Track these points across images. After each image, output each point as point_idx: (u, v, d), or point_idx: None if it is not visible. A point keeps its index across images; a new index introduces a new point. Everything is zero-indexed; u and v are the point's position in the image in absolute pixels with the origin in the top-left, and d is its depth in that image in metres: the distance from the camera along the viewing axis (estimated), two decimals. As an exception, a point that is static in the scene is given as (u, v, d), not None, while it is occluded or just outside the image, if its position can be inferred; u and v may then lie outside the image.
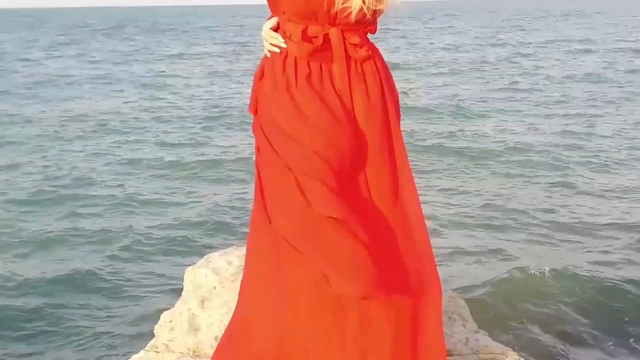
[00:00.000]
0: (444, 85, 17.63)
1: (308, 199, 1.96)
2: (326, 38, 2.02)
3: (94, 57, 29.20)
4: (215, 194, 7.63)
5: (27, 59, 27.77)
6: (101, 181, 8.55)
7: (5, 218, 7.36)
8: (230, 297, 2.80)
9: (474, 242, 5.88)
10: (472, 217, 6.76)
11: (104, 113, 14.25)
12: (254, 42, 36.59)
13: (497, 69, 21.45)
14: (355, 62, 2.06)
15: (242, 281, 2.35)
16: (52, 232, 6.64)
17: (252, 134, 2.25)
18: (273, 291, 2.11)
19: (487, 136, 11.10)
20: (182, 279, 4.65)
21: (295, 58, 2.04)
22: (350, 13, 1.98)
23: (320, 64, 2.03)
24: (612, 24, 42.01)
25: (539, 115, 13.01)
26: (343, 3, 1.96)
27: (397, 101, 2.22)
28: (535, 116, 12.89)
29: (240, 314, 2.31)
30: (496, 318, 4.20)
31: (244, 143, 10.27)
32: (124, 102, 15.74)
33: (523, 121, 12.37)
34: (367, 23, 2.07)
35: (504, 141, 10.47)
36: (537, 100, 14.84)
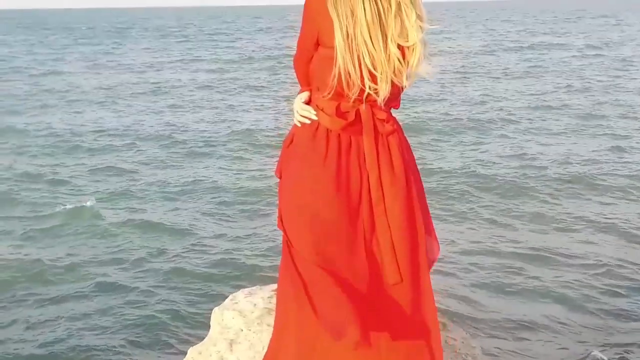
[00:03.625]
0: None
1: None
2: (357, 113, 2.22)
3: (99, 62, 29.40)
4: (239, 229, 7.62)
5: (36, 67, 27.92)
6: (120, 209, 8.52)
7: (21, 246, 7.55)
8: (256, 340, 2.97)
9: (486, 280, 5.94)
10: (483, 254, 6.70)
11: (117, 129, 14.20)
12: (262, 47, 36.83)
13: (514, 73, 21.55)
14: (382, 135, 2.25)
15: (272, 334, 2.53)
16: (64, 264, 6.76)
17: (277, 196, 2.45)
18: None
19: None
20: (203, 311, 4.83)
21: (327, 130, 2.23)
22: (378, 92, 2.17)
23: (350, 137, 2.23)
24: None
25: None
26: (373, 86, 2.15)
27: (416, 167, 2.42)
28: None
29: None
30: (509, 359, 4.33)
31: (269, 169, 10.13)
32: (135, 119, 15.52)
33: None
34: (392, 99, 2.26)
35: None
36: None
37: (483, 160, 10.59)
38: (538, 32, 42.46)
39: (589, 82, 19.28)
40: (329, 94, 2.21)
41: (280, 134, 12.88)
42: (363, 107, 2.22)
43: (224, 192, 9.00)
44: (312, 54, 2.23)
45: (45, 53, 34.70)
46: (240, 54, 32.57)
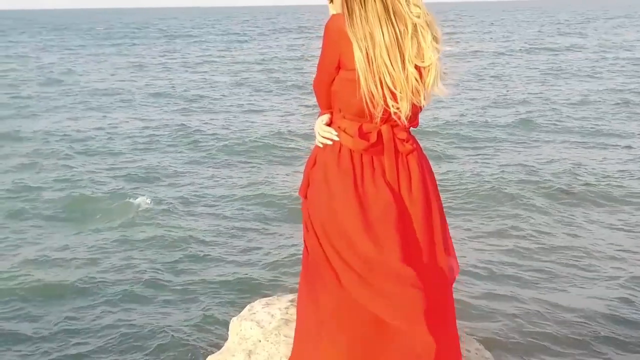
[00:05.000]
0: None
1: (343, 283, 2.25)
2: (379, 134, 2.28)
3: (116, 63, 29.60)
4: (258, 238, 7.57)
5: (53, 69, 28.13)
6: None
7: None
8: (274, 351, 3.03)
9: (501, 290, 5.89)
10: (498, 263, 6.55)
11: (135, 132, 14.15)
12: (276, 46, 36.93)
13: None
14: (402, 155, 2.32)
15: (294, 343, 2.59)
16: (82, 267, 6.86)
17: (302, 214, 2.51)
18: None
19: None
20: (220, 319, 4.87)
21: (351, 151, 2.29)
22: (400, 110, 2.23)
23: (372, 157, 2.29)
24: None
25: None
26: (395, 105, 2.21)
27: (436, 185, 2.48)
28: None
29: None
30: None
31: (288, 177, 10.05)
32: (151, 122, 15.36)
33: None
34: (411, 119, 2.32)
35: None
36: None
37: (501, 166, 10.43)
38: (555, 33, 42.20)
39: (610, 85, 18.94)
40: (358, 116, 2.27)
41: (296, 135, 12.88)
42: (384, 128, 2.28)
43: (244, 200, 8.93)
44: (333, 77, 2.29)
45: (61, 54, 34.98)
46: (255, 55, 32.69)
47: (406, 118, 2.25)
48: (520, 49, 31.19)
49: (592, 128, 13.18)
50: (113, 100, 18.90)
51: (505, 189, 9.01)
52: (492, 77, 21.85)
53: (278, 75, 23.68)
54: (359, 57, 2.18)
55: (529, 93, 18.04)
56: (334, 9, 2.29)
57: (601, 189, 8.92)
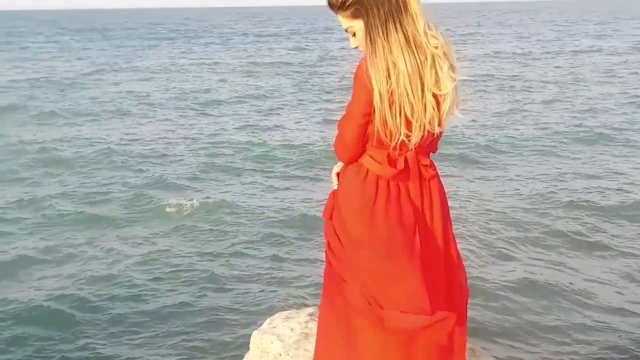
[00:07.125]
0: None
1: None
2: (405, 161, 2.39)
3: (131, 66, 29.79)
4: (281, 250, 7.59)
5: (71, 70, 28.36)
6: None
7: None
8: (295, 365, 3.13)
9: (518, 306, 5.83)
10: (512, 280, 6.41)
11: (154, 139, 14.14)
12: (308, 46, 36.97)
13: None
14: (425, 180, 2.45)
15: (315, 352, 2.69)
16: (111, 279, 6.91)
17: (324, 236, 2.62)
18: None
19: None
20: (239, 331, 4.97)
21: (377, 177, 2.39)
22: (422, 140, 2.34)
23: (398, 183, 2.41)
24: None
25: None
26: (406, 132, 2.30)
27: (448, 207, 2.60)
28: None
29: None
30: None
31: (304, 188, 10.06)
32: (169, 129, 15.25)
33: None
34: (431, 145, 2.44)
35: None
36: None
37: (524, 175, 10.23)
38: (573, 34, 41.93)
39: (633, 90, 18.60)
40: (385, 144, 2.35)
41: (313, 139, 12.94)
42: (410, 154, 2.39)
43: (268, 213, 8.90)
44: (367, 118, 2.32)
45: (77, 56, 35.25)
46: (272, 56, 32.82)
47: (414, 145, 2.36)
48: (542, 51, 30.95)
49: (620, 135, 12.95)
50: (143, 105, 18.83)
51: (532, 199, 8.86)
52: (514, 80, 21.64)
53: (287, 79, 23.69)
54: (376, 88, 2.27)
55: (553, 96, 17.88)
56: (356, 42, 2.38)
57: (633, 199, 8.69)
